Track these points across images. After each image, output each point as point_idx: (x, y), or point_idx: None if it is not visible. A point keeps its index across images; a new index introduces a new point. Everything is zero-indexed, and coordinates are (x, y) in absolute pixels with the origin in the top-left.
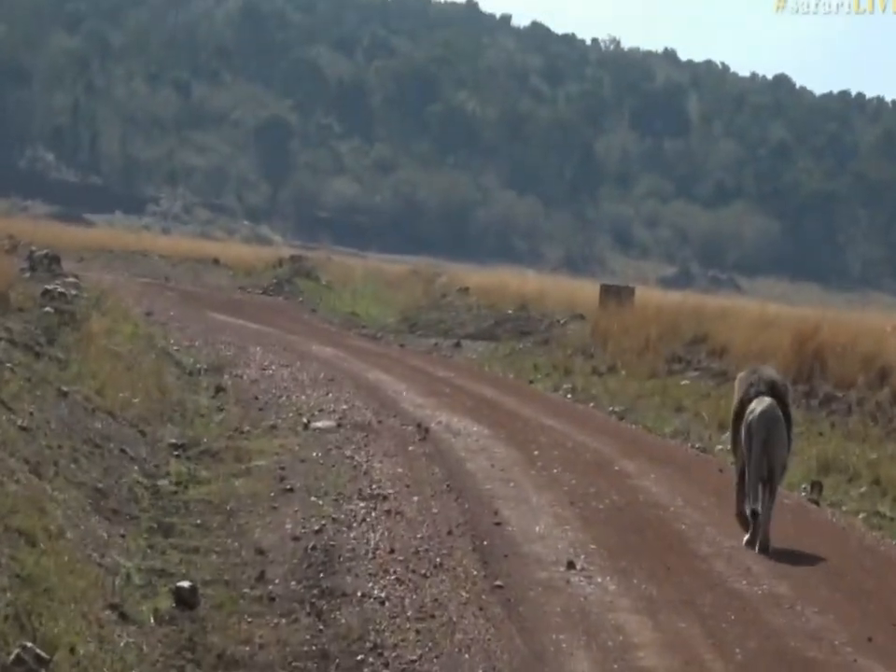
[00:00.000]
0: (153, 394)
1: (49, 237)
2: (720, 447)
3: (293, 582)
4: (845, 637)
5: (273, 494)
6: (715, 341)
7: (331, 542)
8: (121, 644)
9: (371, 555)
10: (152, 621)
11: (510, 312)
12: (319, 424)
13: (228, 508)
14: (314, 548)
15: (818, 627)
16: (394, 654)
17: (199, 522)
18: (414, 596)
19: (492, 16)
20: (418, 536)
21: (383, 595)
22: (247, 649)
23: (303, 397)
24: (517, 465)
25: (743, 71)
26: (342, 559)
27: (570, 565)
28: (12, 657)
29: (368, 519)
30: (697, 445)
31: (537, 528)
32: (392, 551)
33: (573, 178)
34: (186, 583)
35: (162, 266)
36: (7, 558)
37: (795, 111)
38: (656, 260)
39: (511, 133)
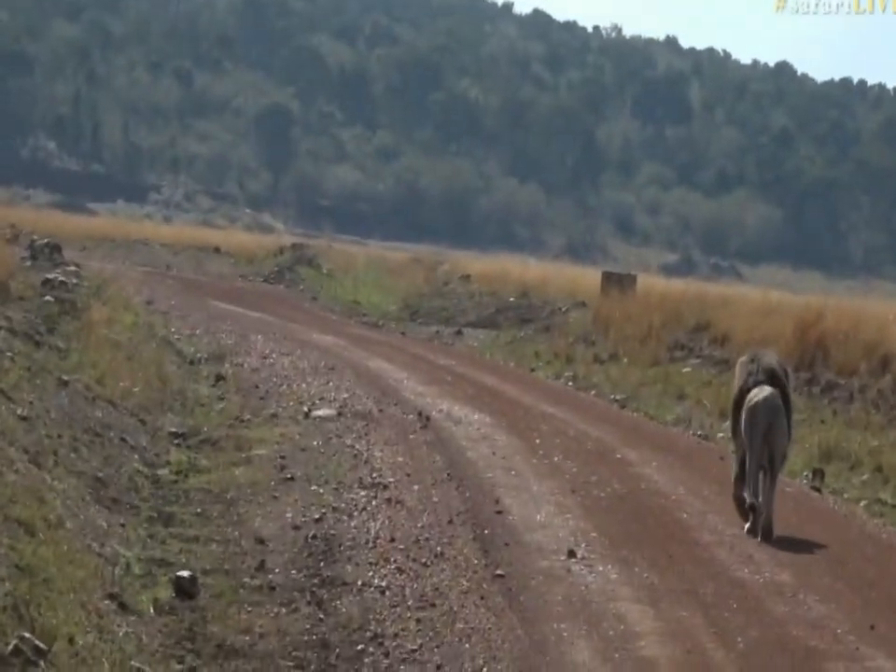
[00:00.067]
0: (154, 383)
1: (50, 226)
2: (721, 435)
3: (293, 572)
4: (847, 625)
5: (273, 483)
6: (717, 328)
7: (332, 531)
8: (120, 634)
9: (371, 544)
10: (152, 610)
11: (511, 299)
12: (320, 412)
13: (228, 497)
14: (314, 537)
15: (820, 616)
16: (394, 644)
17: (199, 511)
18: (415, 585)
19: (494, 4)
20: (419, 525)
21: (383, 584)
22: (247, 638)
23: (304, 385)
24: (518, 453)
25: (745, 58)
26: (342, 548)
27: (571, 553)
28: (10, 648)
29: (368, 508)
30: (699, 433)
31: (538, 517)
32: (393, 540)
33: (575, 166)
34: (185, 573)
35: (164, 254)
36: (6, 548)
37: (797, 98)
38: (658, 248)
39: (513, 121)
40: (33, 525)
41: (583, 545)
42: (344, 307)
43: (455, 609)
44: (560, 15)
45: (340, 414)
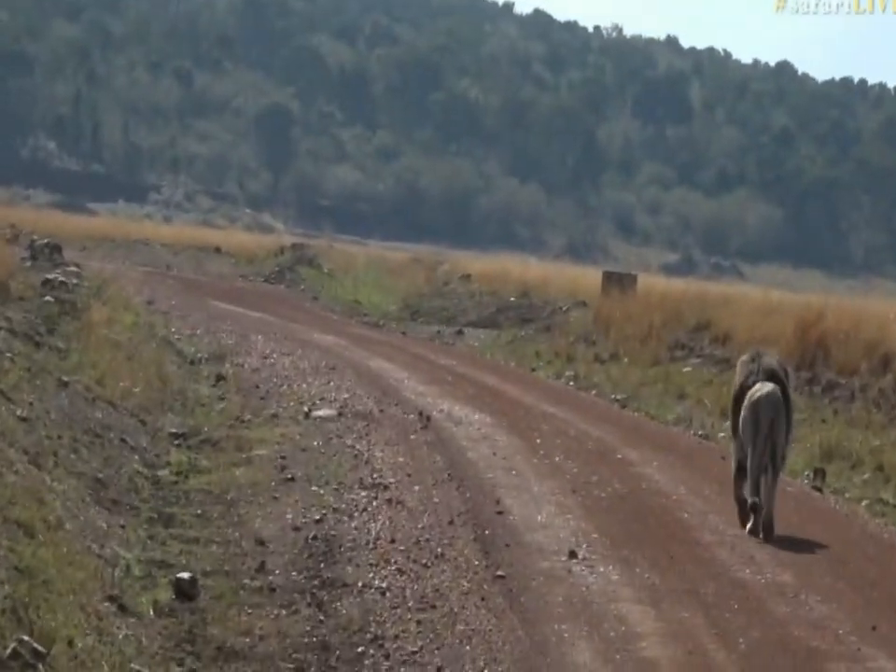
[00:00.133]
0: (154, 383)
1: (51, 226)
2: (722, 434)
3: (294, 573)
4: (849, 625)
5: (273, 483)
6: (718, 328)
7: (332, 532)
8: (120, 636)
9: (371, 545)
10: (151, 612)
11: (512, 299)
12: (320, 412)
13: (228, 497)
14: (314, 538)
15: (821, 616)
16: (395, 645)
17: (199, 512)
18: (416, 587)
19: (494, 3)
20: (419, 525)
21: (384, 585)
22: (247, 640)
23: (305, 385)
24: (519, 453)
25: (745, 58)
26: (342, 549)
27: (572, 554)
28: (8, 651)
29: (369, 508)
30: (700, 433)
31: (539, 517)
32: (393, 540)
33: (575, 165)
34: (185, 574)
35: (164, 254)
36: (5, 550)
37: (797, 98)
38: (658, 247)
39: (514, 121)
40: (32, 527)
41: (584, 545)
42: (345, 307)
43: (456, 610)
44: (560, 15)
45: (340, 415)
